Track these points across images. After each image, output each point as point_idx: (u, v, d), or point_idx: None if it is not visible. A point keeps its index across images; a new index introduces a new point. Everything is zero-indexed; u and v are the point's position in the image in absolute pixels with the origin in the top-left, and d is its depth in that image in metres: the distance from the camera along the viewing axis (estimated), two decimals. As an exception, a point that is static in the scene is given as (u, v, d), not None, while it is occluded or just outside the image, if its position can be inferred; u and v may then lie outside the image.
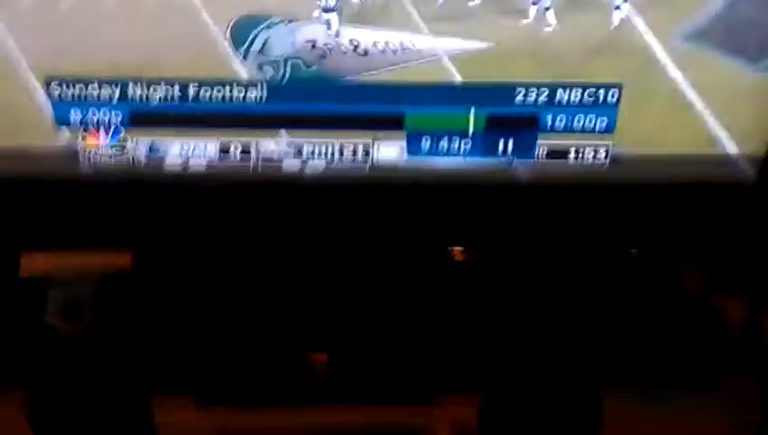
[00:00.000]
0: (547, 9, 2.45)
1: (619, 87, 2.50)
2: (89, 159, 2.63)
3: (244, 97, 2.54)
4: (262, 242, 2.73)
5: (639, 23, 2.45)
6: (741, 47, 2.46)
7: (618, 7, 2.43)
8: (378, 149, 2.61)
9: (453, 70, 2.50)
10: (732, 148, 2.59)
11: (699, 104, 2.53)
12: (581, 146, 2.60)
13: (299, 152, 2.63)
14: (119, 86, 2.53)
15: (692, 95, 2.52)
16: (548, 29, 2.46)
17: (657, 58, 2.48)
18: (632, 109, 2.53)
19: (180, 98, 2.53)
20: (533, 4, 2.44)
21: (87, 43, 2.50)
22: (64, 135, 2.61)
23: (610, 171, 2.61)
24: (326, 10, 2.45)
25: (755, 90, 2.51)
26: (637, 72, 2.49)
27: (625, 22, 2.44)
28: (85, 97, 2.54)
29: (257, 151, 2.63)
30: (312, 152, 2.63)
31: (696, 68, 2.50)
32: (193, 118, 2.58)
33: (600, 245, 2.68)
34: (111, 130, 2.60)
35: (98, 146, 2.62)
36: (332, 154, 2.62)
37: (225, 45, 2.49)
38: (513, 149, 2.61)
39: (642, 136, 2.57)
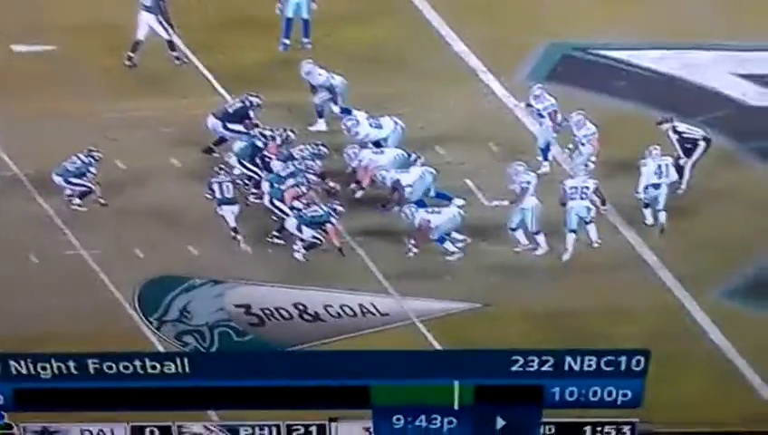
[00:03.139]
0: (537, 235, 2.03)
1: (646, 353, 2.02)
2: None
3: (161, 372, 2.08)
4: None
5: (668, 277, 2.03)
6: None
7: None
8: (336, 431, 2.16)
9: (429, 335, 2.15)
10: (793, 424, 2.16)
11: (747, 370, 2.22)
12: (599, 423, 2.15)
13: (234, 438, 2.29)
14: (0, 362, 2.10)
15: (738, 360, 2.12)
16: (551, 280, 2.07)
17: (691, 318, 2.05)
18: (663, 378, 2.17)
19: (78, 375, 2.07)
20: (537, 232, 2.04)
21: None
22: (-66, 428, 2.20)
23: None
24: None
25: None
26: (667, 336, 2.11)
27: (653, 277, 2.02)
28: (-43, 379, 2.15)
29: (180, 437, 2.19)
30: (252, 438, 2.30)
31: (739, 328, 2.29)
32: (95, 397, 2.14)
33: None
34: (-8, 415, 2.32)
35: (-25, 439, 2.23)
36: (278, 440, 2.22)
37: (132, 313, 2.08)
38: (510, 429, 2.11)
39: (677, 410, 2.22)
